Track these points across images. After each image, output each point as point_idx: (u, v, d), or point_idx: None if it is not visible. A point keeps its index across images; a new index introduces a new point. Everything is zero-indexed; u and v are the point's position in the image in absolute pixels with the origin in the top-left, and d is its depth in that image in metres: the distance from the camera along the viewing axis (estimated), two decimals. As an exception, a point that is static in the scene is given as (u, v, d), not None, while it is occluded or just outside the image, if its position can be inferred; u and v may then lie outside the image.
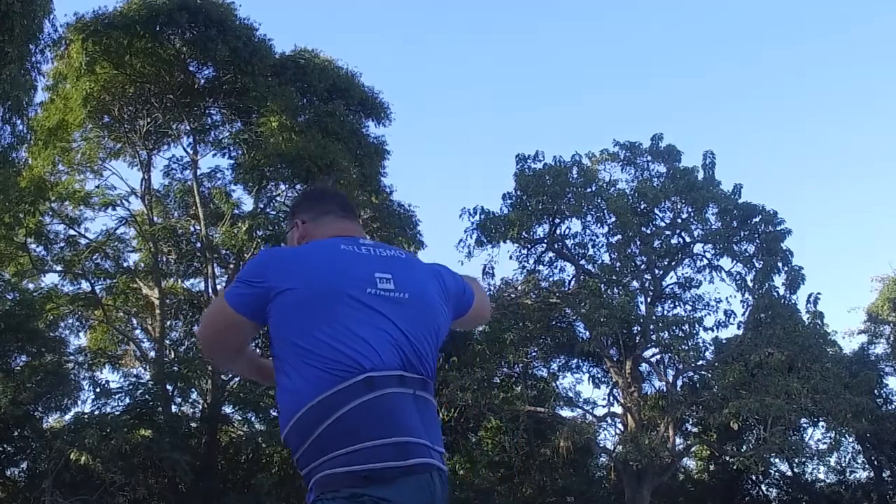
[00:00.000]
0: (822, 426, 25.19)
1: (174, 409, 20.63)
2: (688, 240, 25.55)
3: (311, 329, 2.17)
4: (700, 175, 25.27)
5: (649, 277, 25.06)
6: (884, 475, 28.44)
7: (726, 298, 25.12)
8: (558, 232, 25.52)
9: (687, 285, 25.33)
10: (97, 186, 21.89)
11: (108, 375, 26.18)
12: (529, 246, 25.76)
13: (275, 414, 20.08)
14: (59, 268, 21.73)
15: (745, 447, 24.59)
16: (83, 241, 21.91)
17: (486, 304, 2.84)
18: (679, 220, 25.35)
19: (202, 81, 21.33)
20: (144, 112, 21.37)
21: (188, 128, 21.88)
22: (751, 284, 24.52)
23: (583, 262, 25.56)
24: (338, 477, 2.03)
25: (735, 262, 25.01)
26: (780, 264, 24.34)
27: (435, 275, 2.51)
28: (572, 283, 25.65)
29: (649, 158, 25.99)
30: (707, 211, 25.11)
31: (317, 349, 2.15)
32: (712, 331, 24.53)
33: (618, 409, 25.25)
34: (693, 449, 27.48)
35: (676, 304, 25.17)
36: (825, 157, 54.43)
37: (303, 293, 2.21)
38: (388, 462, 2.04)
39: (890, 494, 27.53)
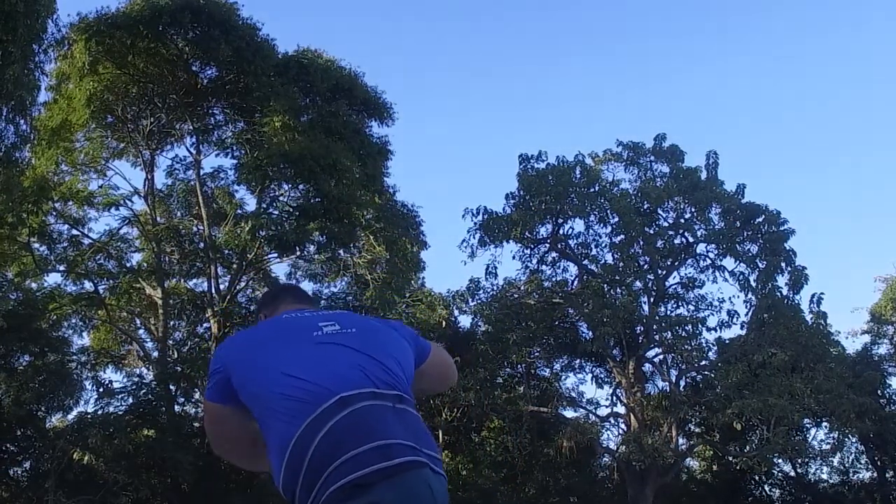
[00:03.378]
0: (826, 426, 25.18)
1: (177, 408, 20.65)
2: (691, 240, 25.54)
3: (273, 379, 2.27)
4: (703, 175, 25.27)
5: (652, 277, 25.04)
6: (887, 475, 28.40)
7: (729, 298, 25.17)
8: (561, 232, 25.52)
9: (690, 285, 25.33)
10: (100, 186, 21.90)
11: (110, 375, 26.23)
12: (532, 246, 25.76)
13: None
14: (62, 268, 21.72)
15: (748, 447, 24.58)
16: (86, 240, 21.92)
17: (448, 362, 2.80)
18: (682, 220, 25.35)
19: (205, 81, 21.31)
20: (147, 112, 21.36)
21: (191, 128, 21.86)
22: (754, 284, 24.52)
23: (586, 262, 25.56)
24: (333, 495, 2.02)
25: (738, 262, 25.02)
26: (783, 264, 24.34)
27: (384, 322, 2.65)
28: (575, 283, 25.65)
29: (652, 158, 25.99)
30: (710, 211, 25.11)
31: (285, 391, 2.22)
32: (715, 331, 24.57)
33: (621, 409, 25.26)
34: (696, 449, 27.45)
35: (679, 304, 25.17)
36: (828, 156, 54.38)
37: (256, 357, 2.36)
38: (374, 465, 2.04)
39: (893, 495, 27.47)
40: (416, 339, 2.61)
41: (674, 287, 25.47)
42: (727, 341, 24.35)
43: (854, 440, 26.85)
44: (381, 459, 2.05)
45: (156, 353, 22.27)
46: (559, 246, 25.69)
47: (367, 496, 2.00)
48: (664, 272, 25.35)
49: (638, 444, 21.74)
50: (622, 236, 24.77)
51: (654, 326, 23.90)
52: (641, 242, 24.64)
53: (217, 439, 2.60)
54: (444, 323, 24.53)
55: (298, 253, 20.95)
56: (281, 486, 2.18)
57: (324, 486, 2.04)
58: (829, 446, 26.01)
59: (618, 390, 25.50)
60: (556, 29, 58.27)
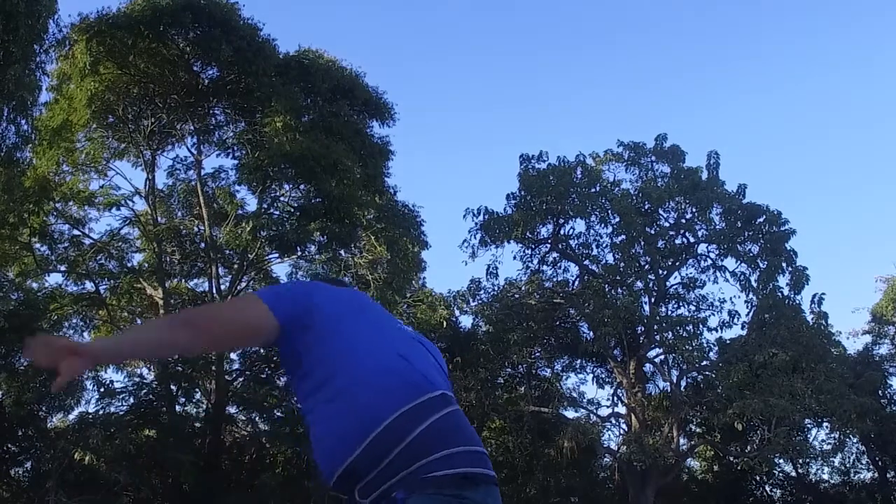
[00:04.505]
0: (827, 427, 25.19)
1: (178, 409, 20.62)
2: (692, 240, 25.54)
3: (380, 348, 2.25)
4: (704, 175, 25.28)
5: (653, 278, 25.04)
6: (888, 476, 28.40)
7: (730, 299, 25.25)
8: (562, 232, 25.52)
9: (691, 285, 25.33)
10: (101, 186, 21.89)
11: (111, 375, 26.18)
12: (533, 246, 25.77)
13: (279, 414, 20.10)
14: (63, 268, 21.71)
15: (749, 448, 24.56)
16: (87, 241, 21.90)
17: None
18: (683, 221, 25.35)
19: (206, 81, 21.30)
20: (148, 112, 21.37)
21: (192, 128, 21.86)
22: (755, 285, 24.52)
23: (587, 262, 25.56)
24: (439, 478, 2.05)
25: (739, 262, 25.03)
26: (784, 264, 24.34)
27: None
28: (576, 283, 25.65)
29: (653, 158, 26.00)
30: (711, 211, 25.12)
31: (392, 365, 2.21)
32: (716, 331, 24.57)
33: (622, 409, 25.26)
34: (697, 449, 27.46)
35: (680, 304, 25.17)
36: (829, 156, 54.35)
37: (362, 316, 2.35)
38: (478, 468, 2.12)
39: (894, 495, 27.48)
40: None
41: (675, 287, 25.49)
42: (728, 341, 24.36)
43: (855, 440, 26.88)
44: (482, 465, 2.15)
45: (157, 354, 22.24)
46: (560, 246, 25.69)
47: (476, 492, 2.08)
48: (665, 272, 25.36)
49: (639, 445, 21.74)
50: (623, 236, 24.77)
51: (655, 327, 23.89)
52: (642, 243, 24.64)
53: (221, 335, 2.34)
54: (444, 323, 24.53)
55: (299, 253, 20.94)
56: (354, 455, 2.11)
57: (429, 467, 2.05)
58: (830, 446, 26.03)
59: (619, 390, 25.51)
60: (557, 28, 58.30)
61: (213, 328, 2.26)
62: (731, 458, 26.13)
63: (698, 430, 27.10)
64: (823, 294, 24.52)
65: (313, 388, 2.22)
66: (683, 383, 24.99)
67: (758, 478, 29.02)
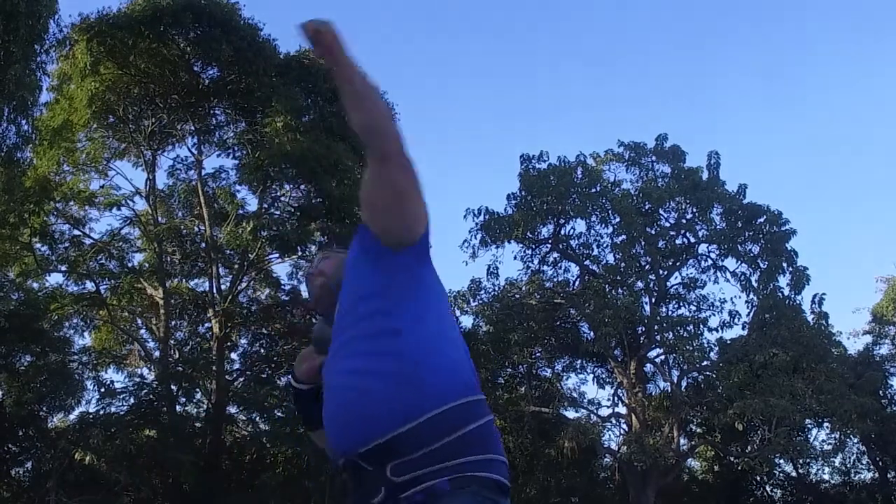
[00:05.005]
0: (827, 427, 25.20)
1: (178, 409, 20.62)
2: (692, 240, 25.54)
3: (451, 324, 2.16)
4: (705, 175, 25.27)
5: (654, 278, 25.04)
6: (888, 476, 28.40)
7: (731, 299, 25.23)
8: (563, 232, 25.51)
9: (691, 286, 25.33)
10: (102, 186, 21.90)
11: (112, 375, 26.26)
12: (534, 246, 25.76)
13: (280, 414, 20.06)
14: (63, 268, 21.70)
15: (749, 448, 24.56)
16: (88, 241, 21.89)
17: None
18: (684, 221, 25.35)
19: (206, 82, 21.31)
20: (149, 112, 21.37)
21: (193, 128, 21.86)
22: (755, 285, 24.52)
23: (587, 262, 25.56)
24: (482, 479, 1.95)
25: (740, 262, 25.03)
26: (784, 265, 24.34)
27: None
28: (577, 283, 25.64)
29: (654, 159, 25.99)
30: (712, 211, 25.12)
31: (462, 351, 2.11)
32: (717, 331, 24.57)
33: (622, 409, 25.26)
34: (697, 449, 27.46)
35: (681, 304, 25.16)
36: (830, 156, 54.31)
37: (440, 283, 2.19)
38: (508, 480, 2.04)
39: (895, 495, 27.47)
40: None
41: (675, 287, 25.49)
42: (729, 342, 24.36)
43: (855, 441, 26.88)
44: (508, 478, 2.05)
45: (157, 353, 22.27)
46: (560, 246, 25.69)
47: (507, 502, 2.00)
48: (665, 272, 25.35)
49: (639, 445, 21.74)
50: (623, 237, 24.76)
51: (656, 327, 23.89)
52: (643, 243, 24.64)
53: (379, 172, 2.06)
54: (445, 323, 24.49)
55: (300, 253, 20.94)
56: (381, 420, 1.94)
57: (470, 466, 1.94)
58: (830, 447, 26.04)
59: (619, 391, 25.51)
60: (557, 28, 58.26)
61: (389, 152, 2.02)
62: (732, 459, 26.13)
63: (699, 430, 27.11)
64: (824, 294, 24.58)
65: (383, 331, 2.02)
66: (684, 383, 25.00)
67: (758, 478, 29.02)
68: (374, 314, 2.04)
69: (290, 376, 2.36)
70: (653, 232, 24.93)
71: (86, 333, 23.50)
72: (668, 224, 25.54)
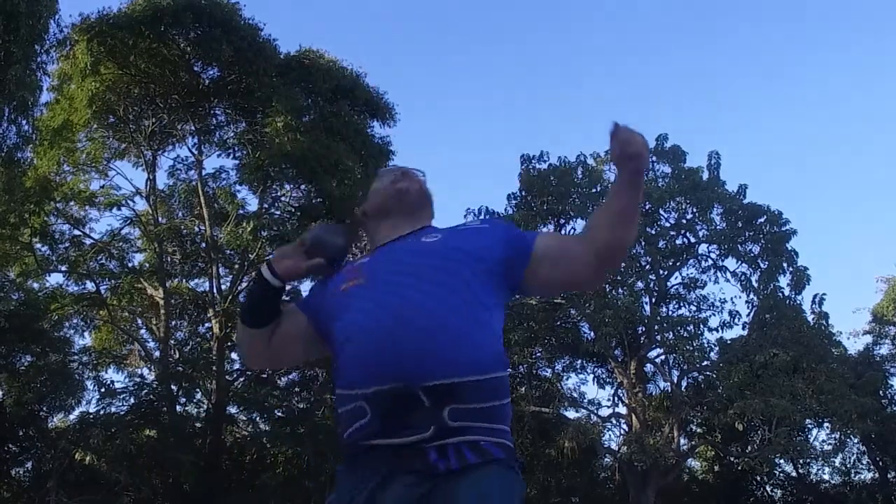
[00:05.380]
0: (827, 427, 25.18)
1: (179, 409, 20.62)
2: (693, 240, 25.52)
3: None
4: (705, 175, 25.26)
5: (654, 278, 25.02)
6: (889, 476, 28.39)
7: (731, 299, 25.19)
8: (563, 232, 25.49)
9: (692, 286, 25.30)
10: (102, 186, 21.89)
11: (112, 375, 26.32)
12: (534, 246, 25.71)
13: (280, 414, 20.10)
14: (63, 268, 21.71)
15: (749, 448, 24.56)
16: (88, 241, 21.90)
17: None
18: (684, 221, 25.33)
19: (207, 82, 21.30)
20: (149, 112, 21.37)
21: (193, 128, 21.86)
22: (756, 285, 24.49)
23: (587, 262, 25.50)
24: (512, 449, 2.12)
25: (740, 262, 25.00)
26: (785, 265, 24.32)
27: None
28: (577, 283, 25.60)
29: (654, 159, 25.94)
30: (712, 211, 25.10)
31: None
32: (717, 331, 24.52)
33: (622, 409, 25.25)
34: (698, 450, 27.45)
35: (681, 304, 25.13)
36: (830, 156, 54.33)
37: None
38: None
39: (895, 495, 27.47)
40: None
41: (675, 287, 25.46)
42: (729, 342, 24.33)
43: (856, 441, 26.87)
44: None
45: (157, 354, 22.28)
46: (561, 246, 25.67)
47: None
48: (666, 273, 25.34)
49: (639, 445, 21.73)
50: (624, 237, 24.72)
51: (656, 327, 23.88)
52: (643, 243, 24.61)
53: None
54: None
55: (300, 253, 20.93)
56: (471, 363, 2.02)
57: (508, 434, 2.16)
58: (830, 447, 26.01)
59: (619, 391, 25.50)
60: (558, 28, 58.27)
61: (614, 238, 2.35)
62: (732, 459, 26.13)
63: (699, 430, 27.10)
64: (824, 294, 24.53)
65: (481, 299, 2.14)
66: (684, 383, 24.99)
67: (758, 478, 29.02)
68: (484, 281, 2.16)
69: (263, 266, 2.31)
70: (653, 232, 24.91)
71: (86, 333, 23.53)
72: (668, 224, 25.54)
